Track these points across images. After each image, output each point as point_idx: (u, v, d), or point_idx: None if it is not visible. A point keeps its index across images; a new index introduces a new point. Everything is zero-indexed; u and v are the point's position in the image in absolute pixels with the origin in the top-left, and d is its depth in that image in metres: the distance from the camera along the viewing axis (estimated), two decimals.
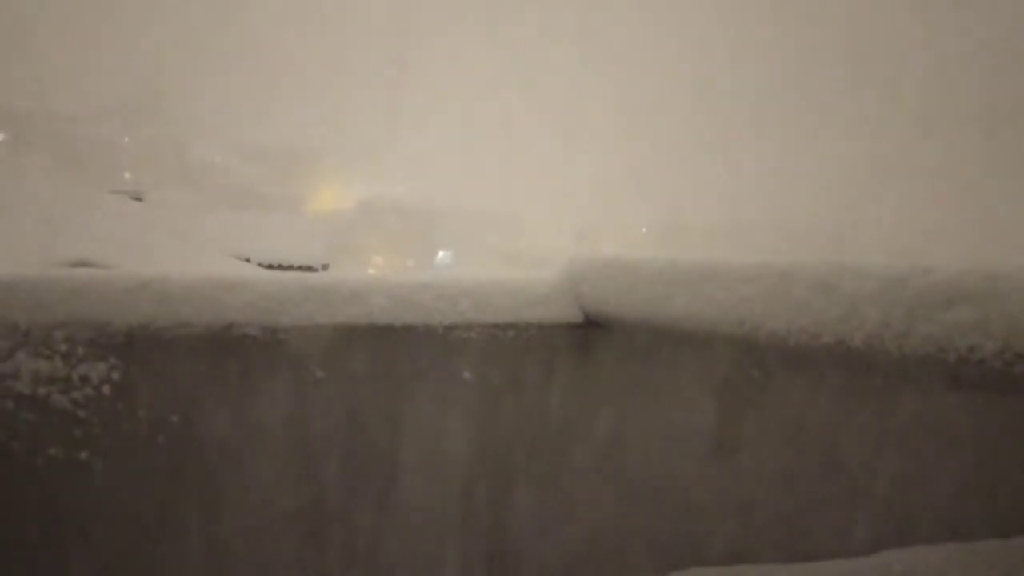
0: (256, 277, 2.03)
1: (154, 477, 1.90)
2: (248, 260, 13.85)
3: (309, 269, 15.52)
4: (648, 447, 2.18)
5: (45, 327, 1.80)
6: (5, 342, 1.78)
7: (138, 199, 18.40)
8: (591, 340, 2.19)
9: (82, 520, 1.85)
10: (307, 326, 1.98)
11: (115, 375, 1.84)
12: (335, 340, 2.00)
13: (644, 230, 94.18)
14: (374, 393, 2.04)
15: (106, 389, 1.84)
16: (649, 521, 2.18)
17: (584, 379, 2.19)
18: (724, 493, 2.07)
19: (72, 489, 1.84)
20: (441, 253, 77.62)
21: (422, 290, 2.12)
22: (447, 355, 2.08)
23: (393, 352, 2.05)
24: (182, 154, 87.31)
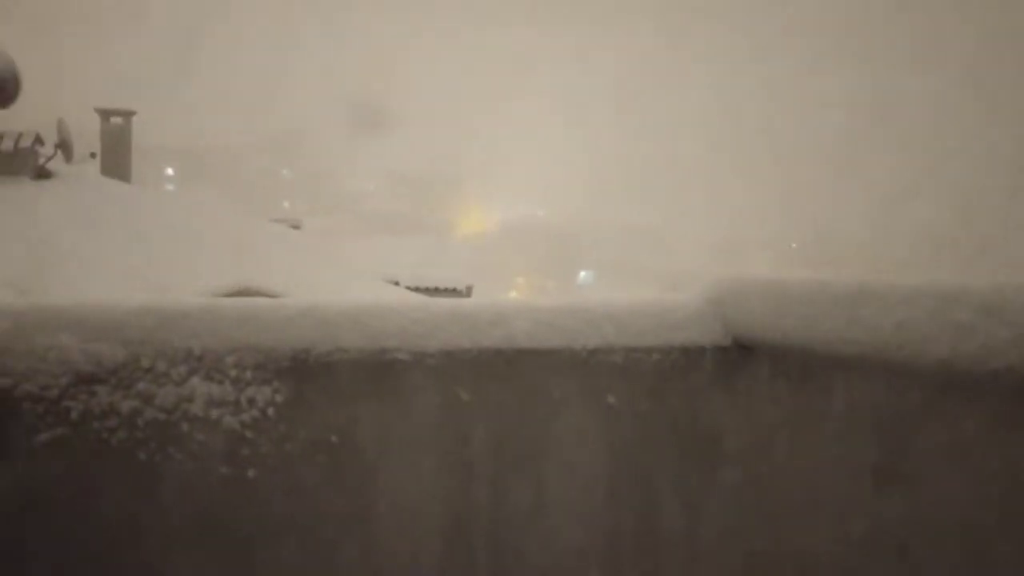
0: (406, 303, 2.12)
1: (313, 493, 2.00)
2: (397, 283, 14.35)
3: (454, 291, 15.90)
4: (799, 474, 2.10)
5: (217, 353, 1.94)
6: (182, 367, 1.93)
7: (296, 227, 19.37)
8: (738, 363, 2.14)
9: (250, 533, 1.98)
10: (453, 350, 2.04)
11: (279, 398, 1.96)
12: (480, 363, 2.05)
13: (794, 245, 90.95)
14: (518, 416, 2.07)
15: (271, 411, 1.95)
16: (802, 550, 2.10)
17: (732, 403, 2.14)
18: (883, 525, 1.97)
19: (241, 505, 1.96)
20: (583, 273, 77.66)
21: (565, 313, 2.14)
22: (591, 379, 2.09)
23: (537, 375, 2.08)
24: (336, 183, 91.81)
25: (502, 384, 2.06)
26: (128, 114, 18.06)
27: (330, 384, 1.98)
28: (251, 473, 1.95)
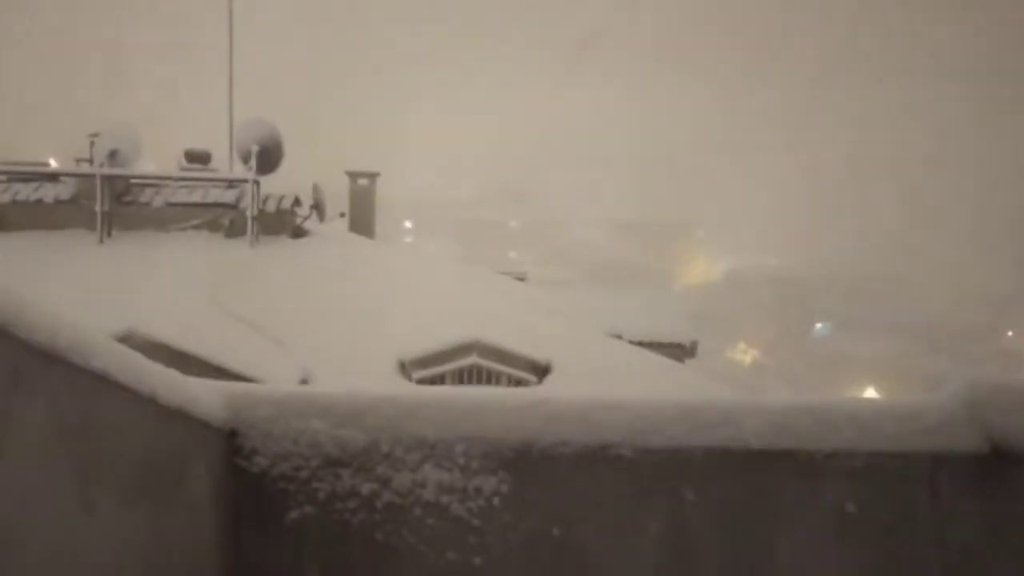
0: (632, 399, 2.09)
1: None
2: (620, 337, 14.29)
3: (678, 346, 15.57)
4: None
5: (449, 441, 2.02)
6: (416, 453, 2.02)
7: (521, 278, 19.88)
8: (999, 474, 1.93)
9: None
10: (679, 448, 1.99)
11: (504, 488, 2.00)
12: (707, 463, 1.99)
13: None
14: (747, 520, 1.98)
15: (496, 501, 2.00)
16: None
17: (990, 518, 1.92)
18: None
19: None
20: (819, 325, 73.30)
21: (800, 413, 2.03)
22: (827, 484, 1.96)
23: (769, 478, 1.98)
24: (562, 232, 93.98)
25: (730, 486, 1.98)
26: (373, 175, 19.57)
27: (553, 477, 2.00)
28: (477, 560, 2.00)
